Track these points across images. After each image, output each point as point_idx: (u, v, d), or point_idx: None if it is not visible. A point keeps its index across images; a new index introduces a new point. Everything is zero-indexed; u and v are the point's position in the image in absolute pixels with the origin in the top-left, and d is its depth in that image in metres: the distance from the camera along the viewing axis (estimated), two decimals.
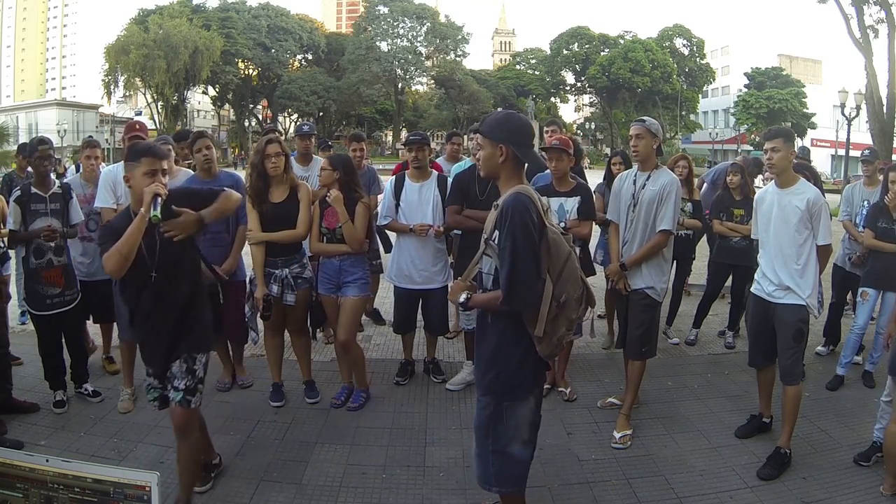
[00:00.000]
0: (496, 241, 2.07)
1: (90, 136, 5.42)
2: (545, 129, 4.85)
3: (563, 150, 3.70)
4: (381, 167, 5.84)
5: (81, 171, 4.18)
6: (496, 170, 2.13)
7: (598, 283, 4.07)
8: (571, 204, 3.72)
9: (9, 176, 5.74)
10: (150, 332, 2.50)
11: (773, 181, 3.22)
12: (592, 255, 4.68)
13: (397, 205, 3.92)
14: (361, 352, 3.84)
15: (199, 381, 2.52)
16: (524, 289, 2.01)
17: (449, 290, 2.29)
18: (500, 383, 2.15)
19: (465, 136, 6.44)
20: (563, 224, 3.59)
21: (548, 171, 3.87)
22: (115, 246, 2.25)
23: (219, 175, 3.76)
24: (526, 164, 2.18)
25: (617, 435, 3.30)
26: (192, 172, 3.86)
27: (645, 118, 3.47)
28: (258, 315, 3.53)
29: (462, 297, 2.16)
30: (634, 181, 3.42)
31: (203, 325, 2.59)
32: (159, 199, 2.29)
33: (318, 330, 4.52)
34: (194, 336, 2.52)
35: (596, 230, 4.54)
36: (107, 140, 36.74)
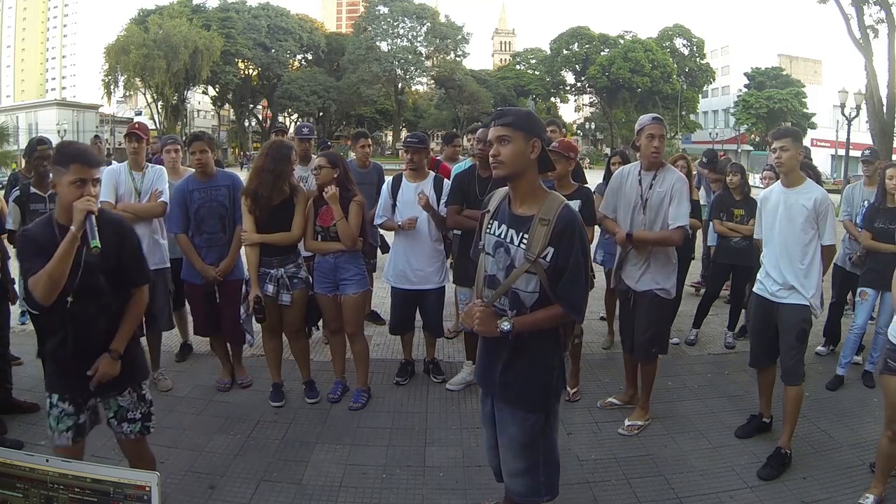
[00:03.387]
0: (548, 258, 1.93)
1: (96, 136, 5.42)
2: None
3: (561, 153, 3.69)
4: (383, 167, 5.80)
5: None
6: (523, 167, 1.95)
7: (597, 283, 4.07)
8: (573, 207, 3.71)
9: (14, 176, 5.75)
10: (73, 362, 2.19)
11: (777, 180, 3.22)
12: (592, 257, 4.67)
13: (394, 204, 3.94)
14: (367, 345, 3.85)
15: (151, 404, 2.47)
16: (586, 301, 2.03)
17: (462, 314, 2.18)
18: (547, 395, 2.11)
19: (464, 137, 6.45)
20: None
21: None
22: (45, 269, 1.99)
23: (216, 175, 3.77)
24: None
25: (627, 422, 3.35)
26: (191, 172, 3.88)
27: (659, 116, 3.43)
28: (253, 317, 3.53)
29: (506, 326, 1.95)
30: (640, 181, 3.38)
31: (139, 352, 2.44)
32: (93, 219, 2.05)
33: (314, 328, 4.52)
34: (137, 366, 2.39)
35: (595, 231, 4.53)
36: (107, 140, 36.73)
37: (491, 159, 1.99)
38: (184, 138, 5.50)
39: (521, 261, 1.97)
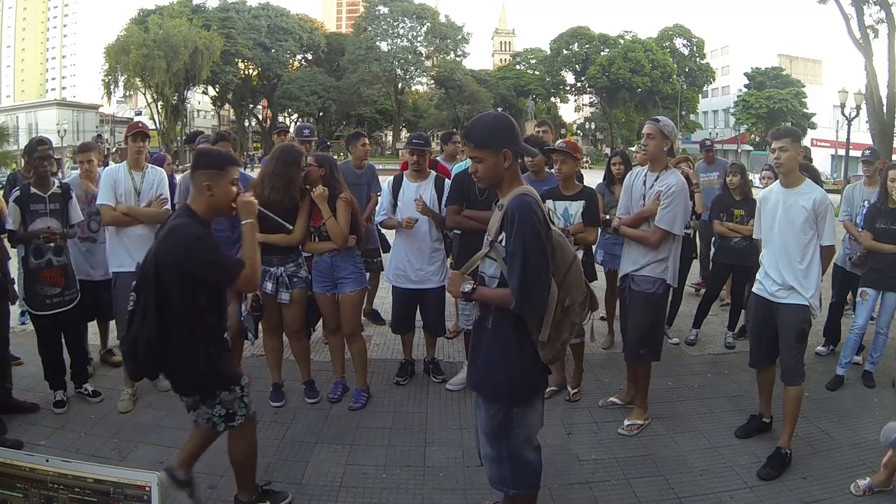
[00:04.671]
0: (503, 243, 2.04)
1: (98, 136, 5.40)
2: (536, 129, 4.84)
3: (569, 153, 3.69)
4: (381, 167, 5.81)
5: (80, 172, 4.19)
6: (500, 177, 2.08)
7: (598, 283, 4.07)
8: (576, 208, 3.71)
9: (13, 175, 5.75)
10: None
11: (776, 181, 3.23)
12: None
13: (395, 204, 3.95)
14: (364, 344, 3.86)
15: None
16: (537, 294, 1.98)
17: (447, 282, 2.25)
18: (507, 391, 2.12)
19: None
20: (567, 228, 3.58)
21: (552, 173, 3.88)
22: (251, 261, 2.31)
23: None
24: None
25: (626, 422, 3.33)
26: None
27: (659, 118, 3.41)
28: (252, 315, 3.54)
29: (467, 287, 2.09)
30: (644, 181, 3.41)
31: None
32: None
33: (312, 329, 4.52)
34: None
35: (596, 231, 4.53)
36: (107, 140, 36.71)
37: (473, 176, 2.14)
38: (183, 138, 5.50)
39: (485, 244, 2.13)
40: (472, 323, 2.25)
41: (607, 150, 43.49)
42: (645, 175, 3.43)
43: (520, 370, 2.10)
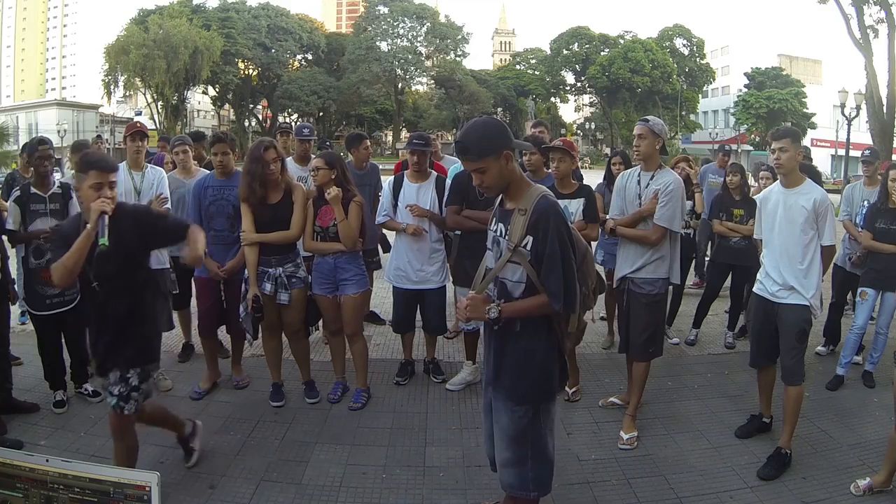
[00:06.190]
0: (528, 247, 2.02)
1: (98, 136, 5.39)
2: (532, 129, 4.85)
3: (566, 151, 3.69)
4: (381, 167, 5.75)
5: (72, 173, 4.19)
6: (507, 180, 2.07)
7: None
8: (576, 206, 3.71)
9: (11, 175, 5.74)
10: (94, 336, 2.57)
11: (776, 181, 3.23)
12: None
13: (395, 204, 3.94)
14: (366, 345, 3.87)
15: (133, 388, 2.53)
16: (575, 289, 2.03)
17: (456, 307, 2.17)
18: (539, 389, 2.13)
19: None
20: None
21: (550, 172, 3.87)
22: (61, 259, 2.31)
23: (234, 175, 3.80)
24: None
25: (625, 436, 3.29)
26: (208, 172, 3.90)
27: (649, 118, 3.44)
28: (252, 316, 3.53)
29: (493, 313, 2.03)
30: (639, 181, 3.42)
31: (144, 339, 2.60)
32: (105, 218, 2.30)
33: (313, 328, 4.52)
34: (133, 350, 2.53)
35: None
36: (107, 140, 36.70)
37: (478, 188, 2.11)
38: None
39: (505, 250, 2.08)
40: (490, 327, 2.18)
41: (607, 150, 43.48)
42: (639, 175, 3.43)
43: (549, 366, 2.13)
